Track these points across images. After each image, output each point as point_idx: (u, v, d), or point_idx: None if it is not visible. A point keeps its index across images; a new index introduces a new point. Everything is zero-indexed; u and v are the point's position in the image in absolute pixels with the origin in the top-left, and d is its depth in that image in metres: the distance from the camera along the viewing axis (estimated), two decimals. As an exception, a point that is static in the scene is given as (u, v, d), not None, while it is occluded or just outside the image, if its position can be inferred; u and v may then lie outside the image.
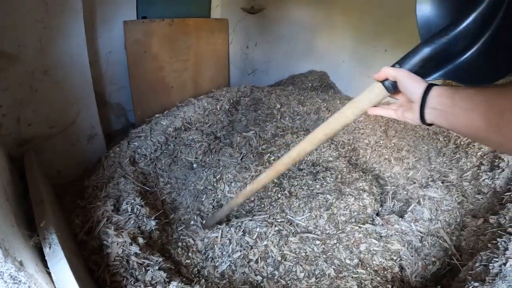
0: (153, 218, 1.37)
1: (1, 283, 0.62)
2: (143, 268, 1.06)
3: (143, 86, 2.26)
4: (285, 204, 1.65)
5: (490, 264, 1.06)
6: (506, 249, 1.11)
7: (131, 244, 1.12)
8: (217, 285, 1.22)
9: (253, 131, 2.23)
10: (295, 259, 1.33)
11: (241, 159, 1.96)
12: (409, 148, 2.20)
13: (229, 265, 1.31)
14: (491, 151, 1.87)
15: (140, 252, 1.11)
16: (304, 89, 3.07)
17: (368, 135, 2.32)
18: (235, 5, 3.14)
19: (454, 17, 0.65)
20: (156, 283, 1.02)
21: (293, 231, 1.47)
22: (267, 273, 1.30)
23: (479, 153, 1.92)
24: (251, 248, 1.36)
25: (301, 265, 1.31)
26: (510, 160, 1.70)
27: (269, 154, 1.99)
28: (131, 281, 1.00)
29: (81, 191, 1.49)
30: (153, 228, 1.33)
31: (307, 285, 1.24)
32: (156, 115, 2.23)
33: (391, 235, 1.45)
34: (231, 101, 2.54)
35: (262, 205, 1.66)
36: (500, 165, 1.71)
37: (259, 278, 1.27)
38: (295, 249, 1.38)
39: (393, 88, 0.66)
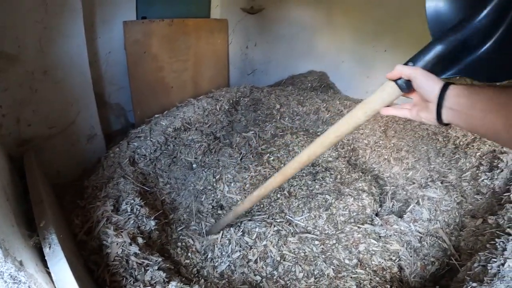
0: (152, 218, 1.37)
1: (1, 283, 0.63)
2: (143, 268, 1.06)
3: (142, 86, 2.27)
4: (284, 204, 1.65)
5: (489, 265, 1.06)
6: (504, 249, 1.11)
7: (130, 244, 1.13)
8: (216, 285, 1.23)
9: (252, 132, 2.24)
10: (294, 259, 1.34)
11: (241, 159, 1.96)
12: (409, 149, 2.20)
13: (228, 265, 1.31)
14: (490, 152, 1.87)
15: (139, 252, 1.11)
16: (304, 89, 3.07)
17: (368, 136, 2.32)
18: (234, 5, 3.14)
19: (467, 12, 0.63)
20: (155, 283, 1.02)
21: (292, 231, 1.48)
22: (266, 273, 1.30)
23: (478, 154, 1.92)
24: (250, 248, 1.37)
25: (300, 265, 1.31)
26: (509, 161, 1.70)
27: (268, 155, 1.99)
28: (130, 281, 1.01)
29: (80, 191, 1.49)
30: (153, 228, 1.33)
31: (306, 285, 1.25)
32: (156, 116, 2.23)
33: (390, 235, 1.45)
34: (231, 101, 2.54)
35: (262, 205, 1.66)
36: (499, 165, 1.71)
37: (258, 278, 1.28)
38: (294, 249, 1.38)
39: (407, 87, 0.63)
